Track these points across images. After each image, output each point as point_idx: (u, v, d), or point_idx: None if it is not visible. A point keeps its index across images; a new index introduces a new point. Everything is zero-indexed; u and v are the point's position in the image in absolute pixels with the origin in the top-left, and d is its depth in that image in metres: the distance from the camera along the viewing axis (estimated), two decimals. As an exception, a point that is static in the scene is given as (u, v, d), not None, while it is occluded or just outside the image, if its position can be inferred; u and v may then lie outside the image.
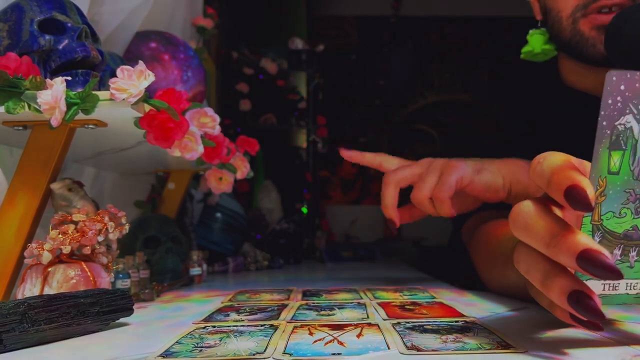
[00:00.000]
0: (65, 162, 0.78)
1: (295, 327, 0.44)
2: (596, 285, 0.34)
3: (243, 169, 0.97)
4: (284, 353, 0.36)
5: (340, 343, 0.38)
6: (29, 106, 0.53)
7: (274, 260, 1.25)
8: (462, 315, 0.48)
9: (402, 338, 0.39)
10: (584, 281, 0.33)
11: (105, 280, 0.55)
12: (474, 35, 3.02)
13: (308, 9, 2.68)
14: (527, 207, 0.34)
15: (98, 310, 0.46)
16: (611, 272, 0.30)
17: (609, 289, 0.34)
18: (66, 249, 0.53)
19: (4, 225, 0.58)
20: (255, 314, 0.53)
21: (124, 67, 0.54)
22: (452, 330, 0.41)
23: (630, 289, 0.34)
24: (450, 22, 3.06)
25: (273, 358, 0.35)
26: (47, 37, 0.59)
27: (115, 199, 0.94)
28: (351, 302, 0.59)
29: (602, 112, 0.31)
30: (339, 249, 1.63)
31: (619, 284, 0.34)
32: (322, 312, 0.52)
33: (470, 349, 0.36)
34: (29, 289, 0.53)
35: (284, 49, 2.41)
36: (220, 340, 0.40)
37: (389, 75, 3.04)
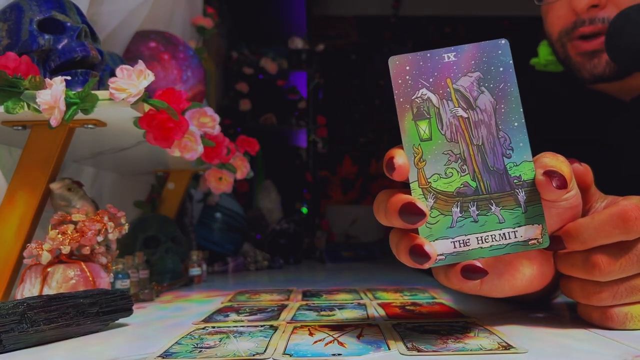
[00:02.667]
0: (65, 162, 0.78)
1: (295, 328, 0.44)
2: (446, 245, 0.35)
3: (243, 169, 0.97)
4: (284, 354, 0.36)
5: (341, 344, 0.38)
6: (29, 106, 0.53)
7: (274, 260, 1.25)
8: (463, 316, 0.48)
9: (402, 339, 0.39)
10: (432, 241, 0.35)
11: (104, 281, 0.55)
12: (474, 35, 3.02)
13: (308, 9, 2.68)
14: (379, 194, 0.37)
15: (97, 311, 0.46)
16: (417, 214, 0.34)
17: (460, 246, 0.35)
18: (65, 249, 0.53)
19: (3, 225, 0.58)
20: (255, 314, 0.53)
21: (124, 66, 0.54)
22: (452, 331, 0.41)
23: (483, 242, 0.35)
24: (450, 22, 3.06)
25: (273, 359, 0.35)
26: (47, 36, 0.59)
27: (114, 199, 0.94)
28: (351, 303, 0.58)
29: (396, 92, 0.36)
30: (339, 249, 1.63)
31: (469, 239, 0.35)
32: (322, 313, 0.52)
33: (470, 350, 0.36)
34: (28, 289, 0.53)
35: (284, 49, 2.41)
36: (220, 341, 0.40)
37: (389, 75, 3.03)
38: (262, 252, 1.26)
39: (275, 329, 0.44)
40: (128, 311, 0.49)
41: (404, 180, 0.36)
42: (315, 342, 0.39)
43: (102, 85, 0.67)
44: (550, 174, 0.35)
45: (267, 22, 2.55)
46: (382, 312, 0.52)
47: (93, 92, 0.54)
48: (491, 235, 0.35)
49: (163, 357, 0.36)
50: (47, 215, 0.59)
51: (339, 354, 0.35)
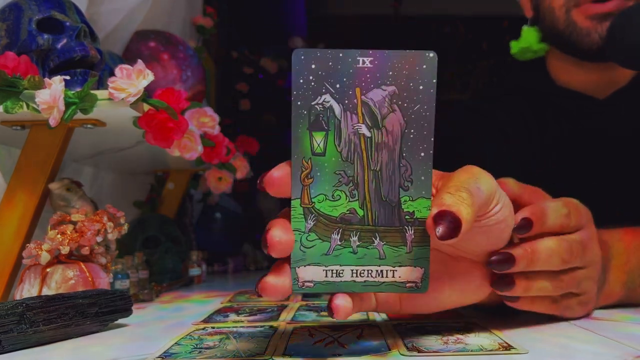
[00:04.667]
0: (64, 161, 0.78)
1: (295, 328, 0.44)
2: (318, 272, 0.32)
3: (243, 169, 0.97)
4: (284, 354, 0.36)
5: (341, 344, 0.38)
6: (28, 106, 0.53)
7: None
8: (463, 316, 0.48)
9: (402, 339, 0.39)
10: (301, 267, 0.32)
11: (104, 281, 0.55)
12: (474, 35, 3.02)
13: (308, 9, 2.68)
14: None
15: (97, 311, 0.45)
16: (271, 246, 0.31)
17: (332, 276, 0.32)
18: (65, 250, 0.53)
19: (2, 225, 0.58)
20: (255, 314, 0.52)
21: (123, 66, 0.53)
22: (453, 332, 0.41)
23: (357, 276, 0.33)
24: (450, 22, 3.06)
25: (273, 359, 0.35)
26: (46, 36, 0.59)
27: (114, 199, 0.94)
28: (351, 303, 0.58)
29: (295, 93, 0.31)
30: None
31: (343, 270, 0.32)
32: (323, 313, 0.52)
33: (471, 350, 0.36)
34: (28, 289, 0.53)
35: (284, 49, 2.40)
36: (219, 342, 0.40)
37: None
38: (262, 252, 1.25)
39: (275, 329, 0.44)
40: (127, 311, 0.49)
41: (282, 196, 0.32)
42: (316, 342, 0.39)
43: (102, 85, 0.67)
44: (438, 218, 0.31)
45: (267, 22, 2.55)
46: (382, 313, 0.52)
47: (92, 91, 0.54)
48: (368, 270, 0.33)
49: (163, 358, 0.36)
50: (46, 215, 0.59)
51: (339, 355, 0.35)
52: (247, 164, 1.00)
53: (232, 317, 0.51)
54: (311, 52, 0.31)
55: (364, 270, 0.33)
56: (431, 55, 0.32)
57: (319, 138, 0.31)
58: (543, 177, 0.49)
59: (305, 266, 0.32)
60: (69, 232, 0.54)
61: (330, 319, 0.49)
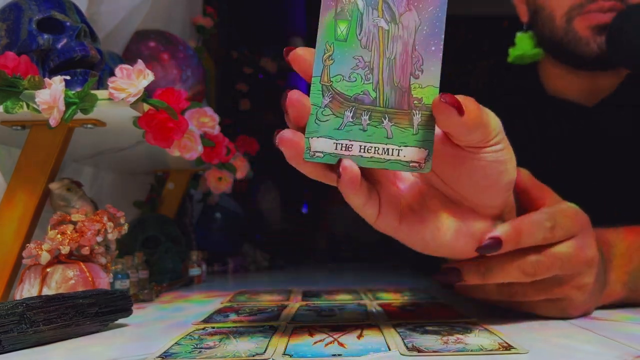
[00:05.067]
0: (64, 161, 0.78)
1: (295, 328, 0.44)
2: (328, 144, 0.35)
3: (243, 169, 0.97)
4: (284, 354, 0.36)
5: (341, 344, 0.38)
6: (28, 106, 0.53)
7: (274, 260, 1.25)
8: (463, 316, 0.48)
9: (402, 339, 0.39)
10: (314, 138, 0.34)
11: (104, 281, 0.55)
12: (474, 35, 3.01)
13: (308, 9, 2.68)
14: None
15: (97, 311, 0.45)
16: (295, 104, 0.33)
17: (341, 149, 0.35)
18: (65, 250, 0.53)
19: (2, 225, 0.58)
20: (255, 314, 0.52)
21: (123, 66, 0.53)
22: (453, 331, 0.41)
23: (364, 152, 0.35)
24: (451, 22, 3.06)
25: (273, 359, 0.35)
26: (46, 36, 0.59)
27: (114, 199, 0.94)
28: (351, 303, 0.58)
29: None
30: (339, 249, 1.63)
31: (352, 145, 0.35)
32: (323, 313, 0.52)
33: (471, 350, 0.36)
34: (28, 289, 0.53)
35: (284, 49, 2.40)
36: (219, 342, 0.40)
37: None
38: (262, 252, 1.25)
39: (275, 329, 0.44)
40: (127, 311, 0.49)
41: (302, 73, 0.35)
42: (316, 342, 0.39)
43: (102, 85, 0.67)
44: (444, 94, 0.34)
45: (267, 22, 2.55)
46: (382, 312, 0.52)
47: (92, 91, 0.54)
48: (374, 147, 0.35)
49: (163, 358, 0.36)
50: (46, 215, 0.59)
51: (339, 355, 0.35)
52: (247, 164, 1.00)
53: (232, 317, 0.51)
54: None
55: (371, 147, 0.35)
56: None
57: (342, 26, 0.35)
58: (539, 179, 0.50)
59: (317, 137, 0.35)
60: (69, 232, 0.54)
61: (330, 318, 0.49)
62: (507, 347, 0.36)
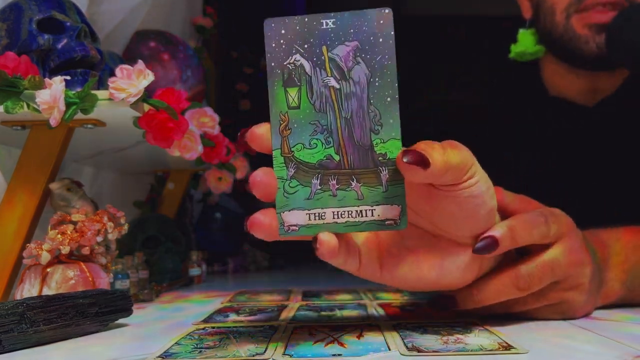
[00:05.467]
0: (64, 161, 0.78)
1: (295, 328, 0.44)
2: (301, 216, 0.34)
3: (243, 169, 0.97)
4: (284, 354, 0.36)
5: (341, 344, 0.38)
6: (28, 106, 0.53)
7: (274, 260, 1.25)
8: (463, 316, 0.48)
9: (402, 339, 0.39)
10: (286, 212, 0.34)
11: (104, 281, 0.55)
12: (474, 35, 3.01)
13: (308, 9, 2.68)
14: None
15: (97, 311, 0.46)
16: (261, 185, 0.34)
17: (314, 219, 0.34)
18: (65, 249, 0.53)
19: (2, 225, 0.58)
20: (255, 314, 0.53)
21: (123, 66, 0.53)
22: (453, 331, 0.41)
23: (338, 218, 0.35)
24: (451, 22, 3.06)
25: (273, 359, 0.35)
26: (46, 36, 0.59)
27: (114, 199, 0.94)
28: (351, 303, 0.58)
29: (269, 55, 0.35)
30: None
31: (325, 212, 0.35)
32: (323, 313, 0.52)
33: (471, 350, 0.36)
34: (28, 289, 0.53)
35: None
36: (219, 341, 0.40)
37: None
38: (262, 252, 1.25)
39: (275, 329, 0.44)
40: (128, 311, 0.49)
41: (264, 151, 0.35)
42: (316, 342, 0.39)
43: (102, 85, 0.67)
44: (405, 151, 0.34)
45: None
46: (382, 312, 0.52)
47: (92, 92, 0.54)
48: (348, 211, 0.35)
49: (163, 358, 0.36)
50: (46, 215, 0.59)
51: (339, 355, 0.35)
52: (247, 164, 1.00)
53: (232, 317, 0.51)
54: (280, 20, 0.35)
55: (344, 211, 0.35)
56: (386, 11, 0.35)
57: (293, 93, 0.35)
58: (537, 179, 0.50)
59: (289, 211, 0.34)
60: (69, 232, 0.54)
61: (330, 319, 0.49)
62: (507, 347, 0.36)
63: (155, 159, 0.88)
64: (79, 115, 0.54)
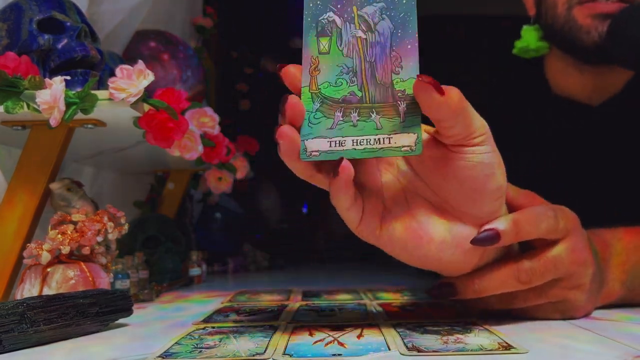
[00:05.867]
0: (64, 161, 0.78)
1: (295, 328, 0.44)
2: (323, 143, 0.37)
3: (243, 169, 0.97)
4: (284, 354, 0.36)
5: (341, 344, 0.38)
6: (28, 106, 0.53)
7: (274, 260, 1.25)
8: (463, 316, 0.48)
9: (402, 339, 0.39)
10: (309, 140, 0.37)
11: (104, 281, 0.55)
12: (474, 34, 3.01)
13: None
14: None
15: (97, 311, 0.46)
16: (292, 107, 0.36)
17: (335, 146, 0.37)
18: (65, 249, 0.53)
19: (2, 225, 0.58)
20: (255, 314, 0.53)
21: (123, 66, 0.54)
22: (453, 331, 0.41)
23: (357, 145, 0.37)
24: (451, 22, 3.06)
25: (273, 359, 0.35)
26: (46, 36, 0.59)
27: (114, 199, 0.94)
28: (351, 303, 0.58)
29: (306, 12, 0.39)
30: (339, 248, 1.62)
31: (345, 140, 0.37)
32: (322, 313, 0.52)
33: (471, 350, 0.36)
34: (28, 289, 0.53)
35: (284, 49, 2.40)
36: (220, 341, 0.40)
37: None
38: (262, 252, 1.25)
39: (275, 329, 0.44)
40: (128, 311, 0.49)
41: (293, 89, 0.38)
42: (316, 342, 0.39)
43: (102, 85, 0.67)
44: (422, 75, 0.36)
45: (267, 22, 2.54)
46: (382, 312, 0.52)
47: (93, 92, 0.54)
48: (366, 139, 0.37)
49: (163, 357, 0.36)
50: (46, 215, 0.59)
51: (339, 355, 0.35)
52: (247, 164, 1.00)
53: (233, 316, 0.52)
54: None
55: (363, 139, 0.37)
56: None
57: (324, 41, 0.39)
58: (539, 179, 0.50)
59: (312, 139, 0.37)
60: (69, 232, 0.54)
61: (330, 318, 0.49)
62: (507, 347, 0.36)
63: (155, 159, 0.88)
64: (79, 115, 0.54)
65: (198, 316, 0.52)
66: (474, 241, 0.40)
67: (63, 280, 0.52)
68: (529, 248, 0.44)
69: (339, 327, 0.44)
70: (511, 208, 0.44)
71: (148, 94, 0.57)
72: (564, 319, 0.45)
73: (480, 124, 0.38)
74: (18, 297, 0.53)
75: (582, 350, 0.36)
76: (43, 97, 0.51)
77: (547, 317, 0.45)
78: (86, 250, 0.55)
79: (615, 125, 0.72)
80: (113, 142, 0.71)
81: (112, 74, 0.54)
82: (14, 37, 0.58)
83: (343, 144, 0.37)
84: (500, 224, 0.40)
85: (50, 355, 0.39)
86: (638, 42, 0.58)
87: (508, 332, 0.41)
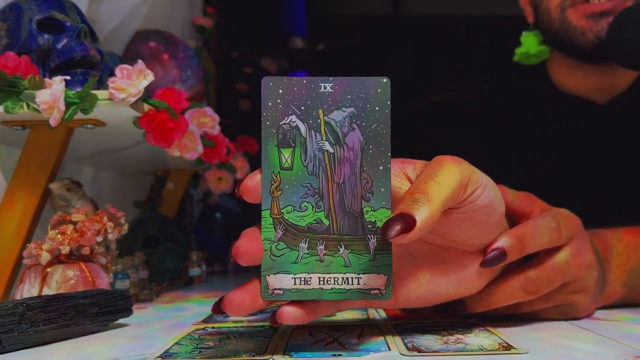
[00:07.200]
0: (64, 161, 0.78)
1: (295, 328, 0.44)
2: (287, 280, 0.34)
3: (243, 169, 0.97)
4: (284, 354, 0.36)
5: (341, 344, 0.38)
6: (28, 106, 0.53)
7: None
8: (463, 316, 0.48)
9: (402, 339, 0.39)
10: (271, 275, 0.34)
11: (104, 281, 0.55)
12: (474, 35, 3.01)
13: (308, 9, 2.68)
14: None
15: (97, 311, 0.46)
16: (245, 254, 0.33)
17: (300, 284, 0.34)
18: (65, 250, 0.53)
19: (2, 225, 0.58)
20: (255, 314, 0.52)
21: (123, 66, 0.53)
22: (453, 331, 0.41)
23: (324, 284, 0.34)
24: (452, 22, 3.06)
25: (273, 359, 0.35)
26: (46, 36, 0.59)
27: (114, 199, 0.94)
28: (351, 303, 0.58)
29: (264, 114, 0.35)
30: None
31: (310, 278, 0.34)
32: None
33: (471, 350, 0.36)
34: (28, 289, 0.53)
35: (284, 49, 2.40)
36: (219, 342, 0.40)
37: (389, 75, 3.02)
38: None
39: (275, 329, 0.44)
40: (128, 311, 0.49)
41: (255, 202, 0.34)
42: (316, 342, 0.39)
43: (102, 85, 0.67)
44: (384, 230, 0.32)
45: (267, 22, 2.54)
46: (382, 312, 0.52)
47: (92, 92, 0.54)
48: (334, 278, 0.34)
49: (163, 358, 0.36)
50: (46, 215, 0.59)
51: (339, 355, 0.35)
52: (247, 164, 1.00)
53: (232, 317, 0.51)
54: (278, 79, 0.35)
55: (330, 277, 0.34)
56: (384, 80, 0.35)
57: (286, 154, 0.34)
58: (542, 178, 0.50)
59: (275, 274, 0.34)
60: (69, 232, 0.54)
61: (330, 319, 0.49)
62: (507, 347, 0.36)
63: (155, 159, 0.88)
64: (79, 115, 0.54)
65: (198, 316, 0.52)
66: (483, 263, 0.39)
67: (63, 281, 0.52)
68: (532, 255, 0.43)
69: (339, 327, 0.44)
70: (510, 211, 0.44)
71: (148, 94, 0.57)
72: (566, 320, 0.45)
73: (458, 181, 0.34)
74: (18, 297, 0.53)
75: (582, 351, 0.36)
76: (43, 97, 0.51)
77: (551, 318, 0.45)
78: (86, 251, 0.55)
79: (622, 123, 0.71)
80: (113, 142, 0.71)
81: (112, 74, 0.54)
82: (14, 37, 0.58)
83: (309, 282, 0.34)
84: (504, 242, 0.40)
85: (50, 356, 0.39)
86: (635, 42, 0.58)
87: (508, 332, 0.41)
